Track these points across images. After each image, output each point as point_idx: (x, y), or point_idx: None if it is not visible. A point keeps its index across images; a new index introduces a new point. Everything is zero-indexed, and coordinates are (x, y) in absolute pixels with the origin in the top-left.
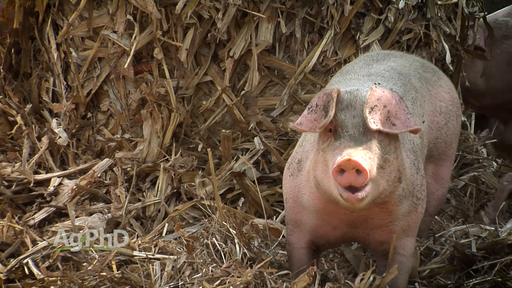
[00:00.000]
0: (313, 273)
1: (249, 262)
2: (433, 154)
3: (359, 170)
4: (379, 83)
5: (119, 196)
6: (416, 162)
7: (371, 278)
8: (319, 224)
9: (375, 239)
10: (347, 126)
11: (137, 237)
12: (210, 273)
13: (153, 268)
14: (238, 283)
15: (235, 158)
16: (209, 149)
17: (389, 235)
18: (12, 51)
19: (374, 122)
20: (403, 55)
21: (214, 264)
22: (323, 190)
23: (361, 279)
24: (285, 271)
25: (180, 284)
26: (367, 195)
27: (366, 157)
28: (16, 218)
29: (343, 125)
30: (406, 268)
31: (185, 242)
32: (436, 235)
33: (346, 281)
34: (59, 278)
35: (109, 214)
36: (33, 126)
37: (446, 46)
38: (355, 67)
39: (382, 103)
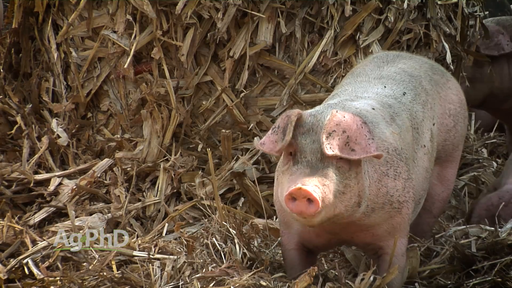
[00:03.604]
0: (314, 273)
1: (249, 262)
2: (441, 156)
3: (310, 199)
4: (385, 86)
5: (119, 196)
6: (396, 167)
7: (371, 278)
8: (303, 230)
9: (360, 241)
10: (306, 151)
11: (137, 237)
12: (209, 272)
13: (153, 268)
14: (237, 285)
15: (235, 158)
16: (209, 149)
17: (373, 238)
18: (12, 51)
19: (331, 147)
20: (412, 57)
21: (214, 264)
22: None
23: (362, 279)
24: (282, 274)
25: (180, 284)
26: (319, 216)
27: (320, 185)
28: (16, 218)
29: (302, 150)
30: (398, 267)
31: (185, 242)
32: (436, 236)
33: (347, 281)
34: (59, 278)
35: (109, 214)
36: (33, 126)
37: (446, 46)
38: (366, 70)
39: (342, 128)
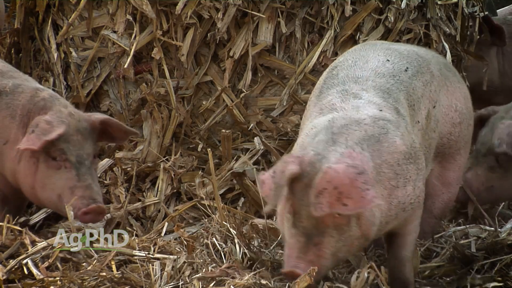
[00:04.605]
0: (314, 273)
1: (249, 262)
2: (445, 151)
3: None
4: (388, 60)
5: (119, 196)
6: (406, 174)
7: (366, 275)
8: None
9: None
10: (302, 215)
11: (137, 237)
12: (209, 272)
13: (153, 268)
14: (238, 285)
15: (235, 158)
16: (209, 149)
17: (388, 230)
18: (12, 51)
19: (320, 207)
20: (428, 50)
21: (214, 264)
22: None
23: (357, 277)
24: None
25: (180, 284)
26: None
27: (314, 260)
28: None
29: (299, 213)
30: (411, 241)
31: (185, 242)
32: (436, 236)
33: (347, 279)
34: (59, 278)
35: (109, 214)
36: None
37: (446, 46)
38: (377, 42)
39: (333, 184)
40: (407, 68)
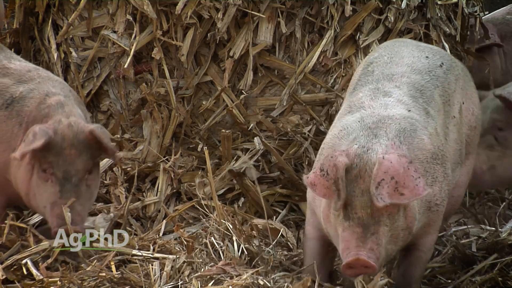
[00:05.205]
0: (309, 283)
1: (246, 259)
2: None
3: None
4: (427, 57)
5: (119, 196)
6: (433, 173)
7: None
8: None
9: None
10: (356, 206)
11: (136, 236)
12: (206, 270)
13: (152, 268)
14: (237, 285)
15: (235, 158)
16: (205, 147)
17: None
18: (12, 51)
19: (382, 198)
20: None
21: (213, 264)
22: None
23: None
24: (284, 273)
25: (179, 283)
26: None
27: (374, 247)
28: (18, 219)
29: (352, 204)
30: (423, 261)
31: (185, 242)
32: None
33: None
34: (58, 278)
35: (111, 214)
36: None
37: (446, 46)
38: (407, 40)
39: (389, 175)
40: (442, 63)
